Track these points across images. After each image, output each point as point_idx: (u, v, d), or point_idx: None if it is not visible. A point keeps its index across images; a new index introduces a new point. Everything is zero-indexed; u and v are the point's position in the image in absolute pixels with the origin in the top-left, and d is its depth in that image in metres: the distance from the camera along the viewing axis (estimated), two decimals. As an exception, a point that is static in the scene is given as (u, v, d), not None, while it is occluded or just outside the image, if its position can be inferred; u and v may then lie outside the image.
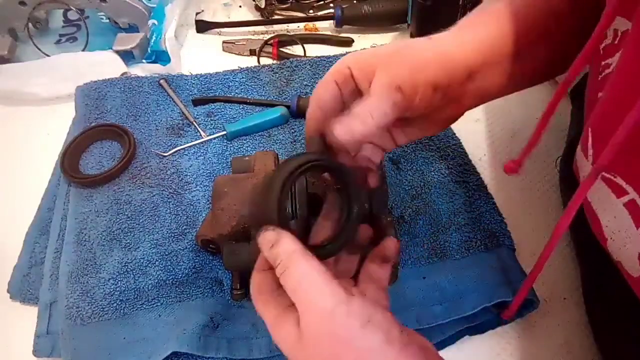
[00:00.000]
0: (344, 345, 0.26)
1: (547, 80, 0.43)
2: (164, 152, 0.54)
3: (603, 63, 0.32)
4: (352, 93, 0.35)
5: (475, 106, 0.39)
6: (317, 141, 0.36)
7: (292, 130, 0.57)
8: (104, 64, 0.64)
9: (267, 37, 0.70)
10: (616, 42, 0.31)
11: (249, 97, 0.60)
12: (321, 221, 0.35)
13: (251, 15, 0.76)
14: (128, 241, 0.46)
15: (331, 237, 0.32)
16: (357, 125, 0.30)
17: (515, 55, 0.36)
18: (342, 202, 0.33)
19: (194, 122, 0.57)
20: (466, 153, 0.53)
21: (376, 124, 0.31)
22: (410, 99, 0.32)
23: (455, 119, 0.38)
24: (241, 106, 0.59)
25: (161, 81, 0.61)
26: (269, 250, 0.29)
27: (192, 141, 0.55)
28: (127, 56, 0.66)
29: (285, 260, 0.28)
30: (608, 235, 0.31)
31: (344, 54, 0.64)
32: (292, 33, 0.73)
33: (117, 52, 0.66)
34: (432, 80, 0.33)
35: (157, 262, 0.44)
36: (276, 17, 0.75)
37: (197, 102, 0.59)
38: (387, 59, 0.33)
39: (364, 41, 0.71)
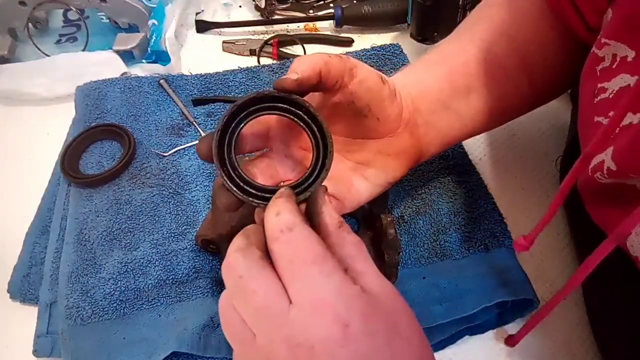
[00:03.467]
0: None
1: (501, 125, 0.46)
2: (164, 152, 0.54)
3: (599, 86, 0.32)
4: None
5: (434, 151, 0.41)
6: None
7: (292, 130, 0.56)
8: (104, 64, 0.64)
9: (267, 37, 0.70)
10: (614, 66, 0.31)
11: (249, 97, 0.60)
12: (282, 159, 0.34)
13: (251, 15, 0.76)
14: (128, 241, 0.46)
15: (306, 175, 0.31)
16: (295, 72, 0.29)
17: (460, 95, 0.40)
18: (309, 136, 0.31)
19: (194, 122, 0.57)
20: (466, 153, 0.53)
21: (313, 69, 0.30)
22: (354, 70, 0.32)
23: (413, 155, 0.38)
24: (241, 106, 0.59)
25: (161, 81, 0.61)
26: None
27: (192, 141, 0.55)
28: (127, 56, 0.67)
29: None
30: (635, 229, 0.30)
31: (344, 54, 0.65)
32: (292, 33, 0.73)
33: (117, 52, 0.66)
34: (378, 71, 0.34)
35: (157, 262, 0.44)
36: (276, 17, 0.75)
37: (197, 102, 0.59)
38: None
39: (364, 41, 0.71)
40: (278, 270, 0.25)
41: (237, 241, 0.27)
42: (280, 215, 0.26)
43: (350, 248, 0.26)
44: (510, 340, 0.40)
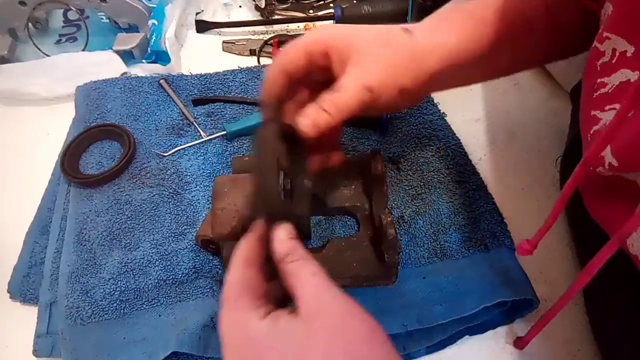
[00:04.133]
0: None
1: (506, 75, 0.44)
2: (164, 152, 0.54)
3: (599, 81, 0.32)
4: (320, 69, 0.36)
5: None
6: (274, 107, 0.36)
7: (292, 130, 0.57)
8: (104, 64, 0.64)
9: (267, 37, 0.70)
10: (613, 61, 0.31)
11: (249, 97, 0.60)
12: None
13: (251, 15, 0.76)
14: (128, 241, 0.46)
15: None
16: (324, 118, 0.33)
17: (480, 57, 0.38)
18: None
19: (194, 122, 0.57)
20: (466, 153, 0.53)
21: (342, 118, 0.33)
22: (377, 99, 0.34)
23: (408, 106, 0.40)
24: (241, 106, 0.59)
25: (161, 81, 0.61)
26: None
27: (192, 141, 0.55)
28: (127, 56, 0.67)
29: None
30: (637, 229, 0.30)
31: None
32: (292, 33, 0.73)
33: (117, 52, 0.66)
34: (400, 85, 0.35)
35: (157, 262, 0.44)
36: (276, 17, 0.75)
37: (197, 102, 0.59)
38: (364, 53, 0.34)
39: (364, 41, 0.71)
40: None
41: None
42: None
43: (288, 278, 0.27)
44: (520, 343, 0.40)
